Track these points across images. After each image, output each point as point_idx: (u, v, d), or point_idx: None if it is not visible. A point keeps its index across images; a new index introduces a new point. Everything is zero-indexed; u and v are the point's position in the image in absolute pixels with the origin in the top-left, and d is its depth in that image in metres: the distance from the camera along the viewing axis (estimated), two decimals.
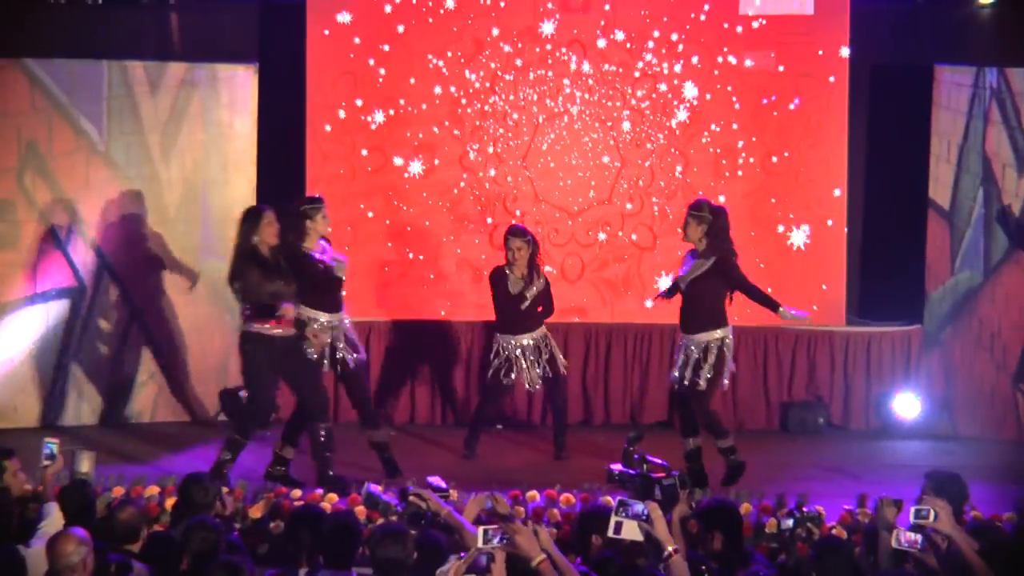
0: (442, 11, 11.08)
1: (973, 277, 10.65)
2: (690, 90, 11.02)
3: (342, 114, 11.12)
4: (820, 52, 10.93)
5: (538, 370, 9.80)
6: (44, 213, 10.64)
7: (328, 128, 11.13)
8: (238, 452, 9.00)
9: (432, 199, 11.12)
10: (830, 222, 10.98)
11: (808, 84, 10.96)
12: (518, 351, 9.79)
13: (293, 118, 11.12)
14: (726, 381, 9.13)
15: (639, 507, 5.74)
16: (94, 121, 10.73)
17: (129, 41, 11.13)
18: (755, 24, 10.94)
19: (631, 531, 5.73)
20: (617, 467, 6.93)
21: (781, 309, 8.92)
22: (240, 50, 11.20)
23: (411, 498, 6.35)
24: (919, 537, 5.87)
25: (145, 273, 10.85)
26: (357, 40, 11.10)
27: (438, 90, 11.10)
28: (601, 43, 11.05)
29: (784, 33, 10.95)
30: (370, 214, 11.15)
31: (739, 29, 10.96)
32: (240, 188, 11.01)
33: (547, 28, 11.07)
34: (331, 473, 9.02)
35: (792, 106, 10.98)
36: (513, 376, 9.79)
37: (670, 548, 5.68)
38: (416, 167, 11.13)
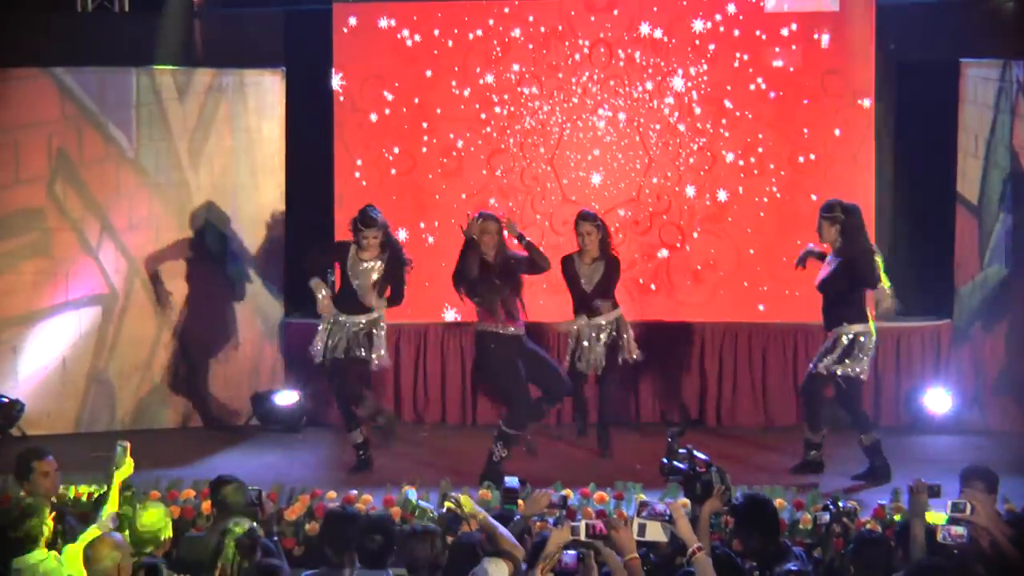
0: (466, 18, 11.12)
1: (1002, 271, 10.63)
2: (717, 87, 11.02)
3: (372, 116, 11.16)
4: (846, 48, 10.91)
5: (600, 349, 9.86)
6: (75, 221, 10.72)
7: (356, 129, 11.17)
8: (511, 446, 9.32)
9: (459, 199, 11.15)
10: (865, 200, 10.93)
11: (834, 79, 10.95)
12: (592, 334, 9.85)
13: (321, 122, 11.17)
14: (863, 376, 9.33)
15: (660, 507, 5.80)
16: (123, 128, 10.81)
17: (156, 48, 11.20)
18: (781, 20, 10.94)
19: (655, 532, 5.78)
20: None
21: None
22: (267, 55, 11.26)
23: (447, 503, 6.42)
24: (964, 531, 5.88)
25: (175, 279, 10.90)
26: (383, 38, 11.15)
27: (466, 92, 11.14)
28: (628, 40, 11.06)
29: (810, 29, 10.94)
30: (400, 209, 11.18)
31: (766, 25, 10.95)
32: (269, 193, 11.07)
33: (574, 26, 11.09)
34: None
35: (818, 98, 10.96)
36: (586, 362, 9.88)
37: (694, 547, 5.73)
38: (443, 167, 11.17)
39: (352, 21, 11.15)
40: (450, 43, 11.14)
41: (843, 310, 9.27)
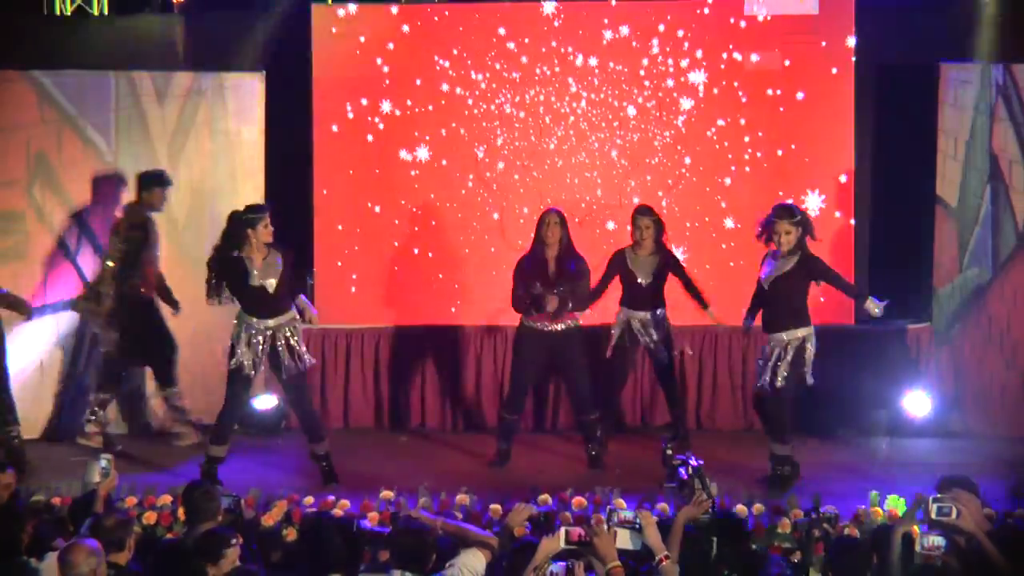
0: (447, 12, 11.11)
1: (982, 274, 10.65)
2: (695, 87, 11.04)
3: (349, 115, 11.15)
4: (825, 50, 10.92)
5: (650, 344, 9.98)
6: (54, 224, 10.68)
7: (335, 129, 11.16)
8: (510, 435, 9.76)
9: (439, 199, 11.15)
10: (837, 214, 10.99)
11: (813, 81, 10.96)
12: (638, 326, 9.97)
13: (300, 125, 11.15)
14: (810, 381, 9.20)
15: (628, 515, 5.79)
16: (102, 132, 10.77)
17: (136, 52, 11.18)
18: (760, 21, 10.95)
19: (624, 540, 5.78)
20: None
21: (868, 301, 9.12)
22: (246, 58, 11.22)
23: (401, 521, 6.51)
24: (942, 541, 5.86)
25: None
26: (363, 40, 11.13)
27: (444, 88, 11.13)
28: (606, 41, 11.07)
29: (789, 31, 10.95)
30: (377, 209, 11.18)
31: (743, 26, 10.97)
32: (248, 196, 10.97)
33: (552, 27, 11.09)
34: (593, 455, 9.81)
35: (798, 100, 10.98)
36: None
37: (660, 555, 5.74)
38: (423, 167, 11.16)
39: (331, 26, 11.13)
40: (429, 48, 11.13)
41: (793, 314, 9.13)
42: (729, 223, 11.08)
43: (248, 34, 11.36)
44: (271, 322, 9.13)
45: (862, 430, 10.65)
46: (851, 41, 10.87)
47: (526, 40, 11.11)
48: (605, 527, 5.78)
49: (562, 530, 5.64)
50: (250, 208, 9.25)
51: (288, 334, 9.17)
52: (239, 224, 9.09)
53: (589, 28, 11.08)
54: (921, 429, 10.63)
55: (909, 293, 10.95)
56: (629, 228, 10.04)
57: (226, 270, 9.07)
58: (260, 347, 9.10)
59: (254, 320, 9.10)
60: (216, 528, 6.43)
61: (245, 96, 11.02)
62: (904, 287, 10.96)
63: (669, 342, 10.08)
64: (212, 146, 10.99)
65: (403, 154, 11.19)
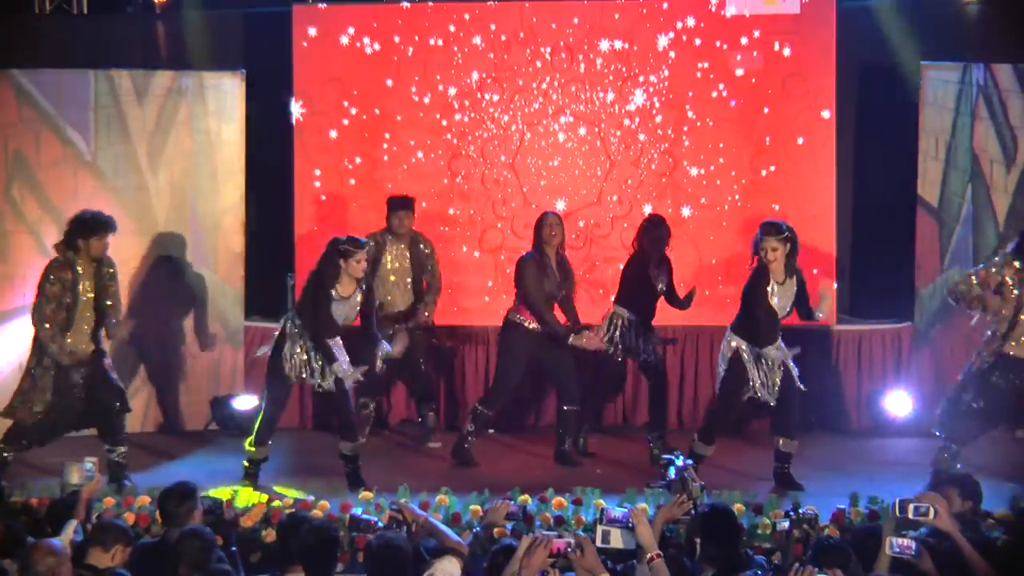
0: (429, 10, 11.08)
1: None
2: (679, 94, 11.03)
3: (329, 119, 11.12)
4: (807, 51, 10.93)
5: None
6: (32, 224, 10.62)
7: (315, 134, 11.14)
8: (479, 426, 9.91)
9: (421, 198, 11.11)
10: (826, 203, 11.00)
11: (796, 83, 10.96)
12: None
13: (281, 125, 11.11)
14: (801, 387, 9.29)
15: (620, 514, 5.77)
16: (81, 131, 10.72)
17: (115, 50, 11.15)
18: (742, 25, 10.94)
19: (617, 539, 5.76)
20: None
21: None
22: (227, 58, 11.20)
23: (389, 511, 6.48)
24: (913, 543, 5.85)
25: (134, 283, 10.81)
26: (344, 43, 11.10)
27: (426, 99, 11.13)
28: (589, 47, 11.06)
29: (770, 33, 10.95)
30: (357, 207, 11.15)
31: (727, 31, 10.96)
32: (229, 196, 10.99)
33: (535, 32, 11.07)
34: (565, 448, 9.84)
35: (780, 101, 10.98)
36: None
37: (652, 552, 5.71)
38: (404, 166, 11.15)
39: (312, 27, 11.10)
40: (410, 50, 11.11)
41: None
42: (705, 229, 11.07)
43: (228, 34, 11.34)
44: None
45: (844, 430, 10.65)
46: (832, 41, 10.87)
47: (507, 47, 11.08)
48: (595, 535, 5.80)
49: (546, 544, 5.58)
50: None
51: None
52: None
53: (575, 27, 11.07)
54: (902, 429, 10.65)
55: (890, 293, 10.97)
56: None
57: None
58: (308, 356, 9.14)
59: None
60: (196, 527, 6.40)
61: (226, 95, 10.98)
62: (885, 287, 11.00)
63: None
64: (192, 146, 10.95)
65: (384, 153, 11.16)
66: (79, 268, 9.18)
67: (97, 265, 9.26)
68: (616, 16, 11.04)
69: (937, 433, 9.14)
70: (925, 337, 10.87)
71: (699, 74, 11.01)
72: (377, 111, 11.14)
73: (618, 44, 11.03)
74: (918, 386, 10.80)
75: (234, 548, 6.81)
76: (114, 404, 9.30)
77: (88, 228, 9.18)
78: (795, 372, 9.21)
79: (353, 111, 11.15)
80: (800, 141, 10.99)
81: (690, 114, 11.05)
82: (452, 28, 11.10)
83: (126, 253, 10.70)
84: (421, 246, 10.41)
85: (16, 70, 10.63)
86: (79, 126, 10.71)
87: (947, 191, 10.73)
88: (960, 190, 10.64)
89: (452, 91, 11.12)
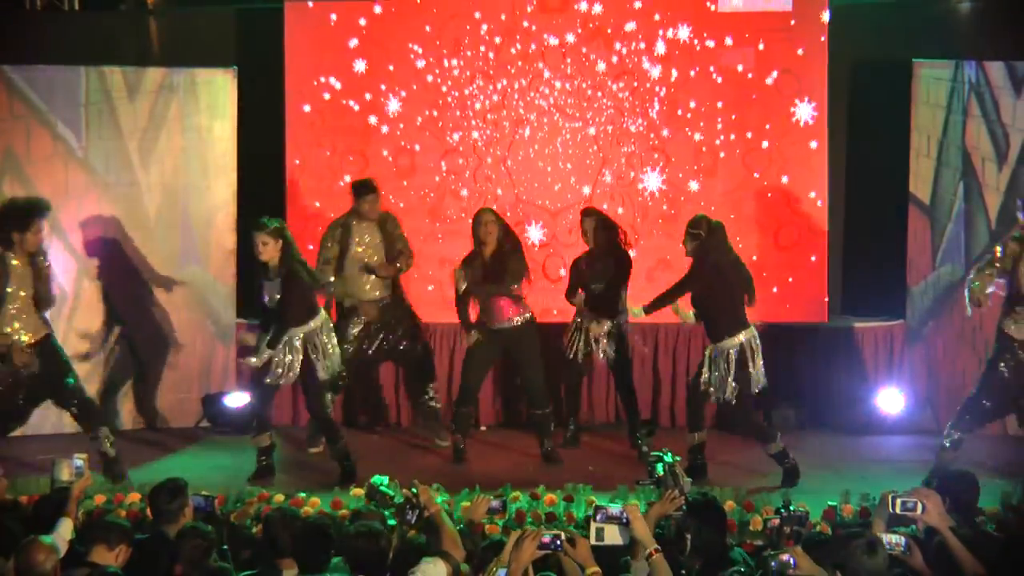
0: (418, 16, 11.08)
1: (954, 271, 10.64)
2: (669, 83, 11.03)
3: (321, 115, 11.10)
4: (799, 48, 10.93)
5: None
6: None
7: (306, 130, 11.13)
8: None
9: (413, 195, 11.13)
10: (818, 201, 11.00)
11: (787, 79, 10.96)
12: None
13: (273, 121, 11.10)
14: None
15: (615, 510, 5.75)
16: (72, 127, 10.69)
17: (107, 47, 11.13)
18: (734, 20, 10.94)
19: (613, 535, 5.75)
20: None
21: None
22: (218, 54, 11.18)
23: (405, 490, 6.48)
24: (902, 540, 5.85)
25: (125, 279, 10.80)
26: (335, 42, 11.09)
27: (418, 89, 11.11)
28: (581, 39, 11.05)
29: (763, 29, 10.95)
30: (349, 200, 11.09)
31: (719, 26, 10.96)
32: (221, 193, 10.98)
33: (528, 23, 11.06)
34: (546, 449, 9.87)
35: (772, 98, 10.98)
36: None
37: (650, 548, 5.69)
38: (395, 167, 11.14)
39: (303, 23, 11.09)
40: (402, 43, 11.09)
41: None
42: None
43: (220, 30, 11.33)
44: (312, 324, 9.31)
45: (835, 427, 10.65)
46: (824, 38, 10.87)
47: (499, 37, 11.08)
48: (590, 528, 5.79)
49: (534, 537, 5.57)
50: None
51: (324, 339, 9.33)
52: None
53: (564, 14, 11.06)
54: (894, 426, 10.65)
55: (882, 290, 10.97)
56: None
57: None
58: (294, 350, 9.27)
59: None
60: (196, 525, 6.40)
61: (217, 92, 10.96)
62: (877, 284, 11.00)
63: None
64: (184, 142, 10.92)
65: (376, 150, 11.15)
66: (14, 262, 8.99)
67: (31, 257, 9.05)
68: (608, 7, 11.02)
69: (947, 444, 9.10)
70: (917, 335, 10.87)
71: (692, 68, 11.00)
72: (369, 104, 11.12)
73: (609, 34, 11.02)
74: (910, 384, 10.80)
75: (225, 547, 6.80)
76: (64, 380, 9.18)
77: (22, 221, 8.97)
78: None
79: (345, 106, 11.13)
80: (792, 139, 10.98)
81: (683, 107, 11.03)
82: (445, 12, 11.08)
83: (116, 249, 10.73)
84: (389, 225, 10.35)
85: (7, 66, 10.59)
86: (70, 122, 10.69)
87: (939, 189, 10.73)
88: (952, 188, 10.64)
89: (444, 83, 11.11)
